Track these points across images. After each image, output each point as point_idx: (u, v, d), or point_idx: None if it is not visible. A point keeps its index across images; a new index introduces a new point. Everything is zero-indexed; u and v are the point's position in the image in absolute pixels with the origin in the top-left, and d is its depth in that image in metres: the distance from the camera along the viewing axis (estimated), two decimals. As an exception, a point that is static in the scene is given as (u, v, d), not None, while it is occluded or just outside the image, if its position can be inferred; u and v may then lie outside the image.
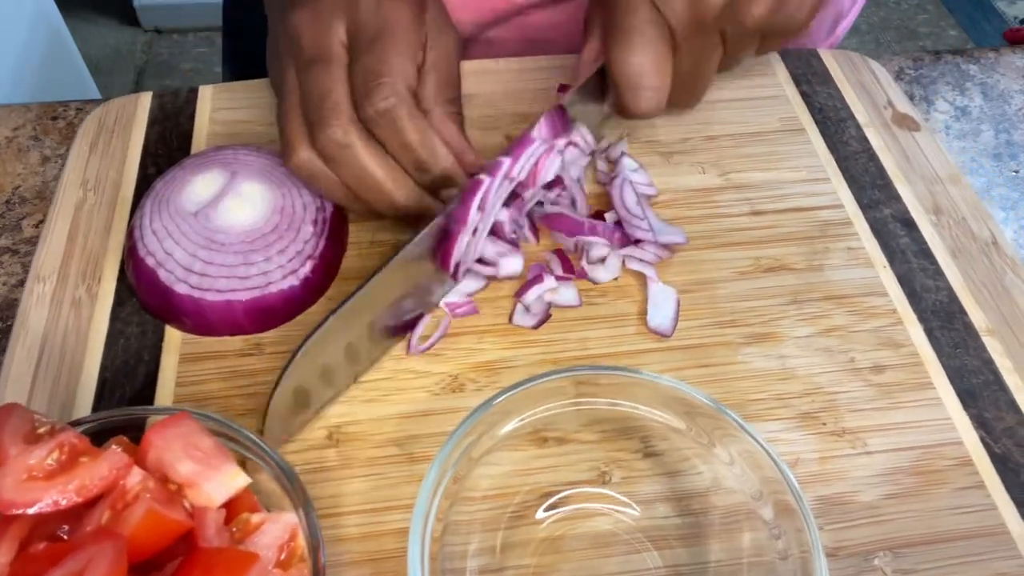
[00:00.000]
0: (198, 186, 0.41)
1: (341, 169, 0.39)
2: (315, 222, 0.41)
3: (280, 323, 0.40)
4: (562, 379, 0.34)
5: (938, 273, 0.44)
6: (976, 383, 0.40)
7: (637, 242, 0.43)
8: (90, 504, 0.29)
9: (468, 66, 0.52)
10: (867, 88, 0.53)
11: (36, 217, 0.45)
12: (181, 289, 0.39)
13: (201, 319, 0.39)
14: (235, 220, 0.40)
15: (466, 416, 0.33)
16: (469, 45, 0.59)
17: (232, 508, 0.30)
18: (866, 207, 0.47)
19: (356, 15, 0.40)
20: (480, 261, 0.42)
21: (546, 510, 0.35)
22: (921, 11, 2.24)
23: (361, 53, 0.39)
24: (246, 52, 0.75)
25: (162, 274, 0.39)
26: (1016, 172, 0.51)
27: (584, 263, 0.43)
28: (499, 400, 0.33)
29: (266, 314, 0.40)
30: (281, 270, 0.40)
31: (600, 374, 0.35)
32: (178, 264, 0.39)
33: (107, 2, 2.09)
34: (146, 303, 0.40)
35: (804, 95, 0.53)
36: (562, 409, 0.35)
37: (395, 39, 0.40)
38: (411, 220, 0.41)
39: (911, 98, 0.55)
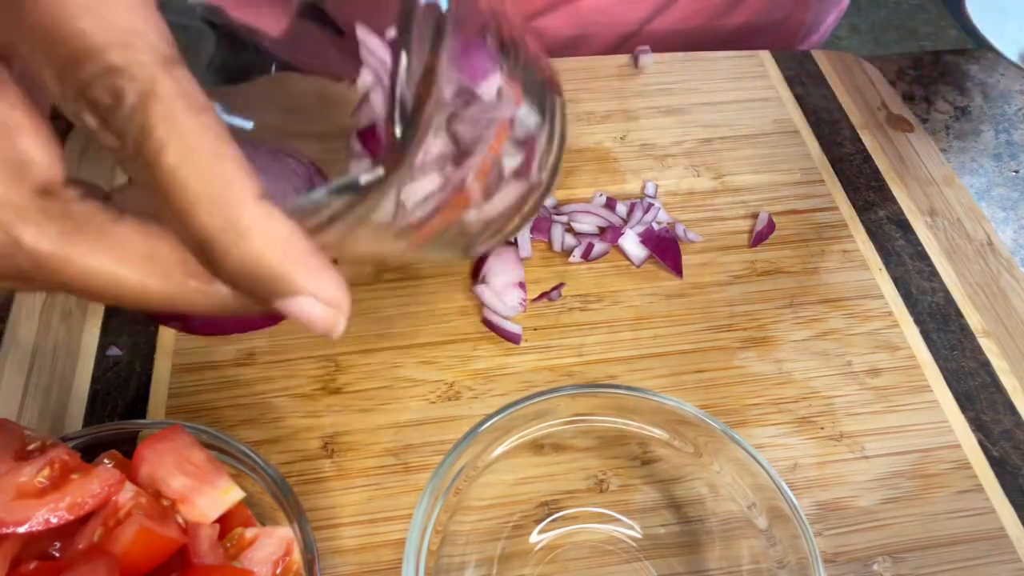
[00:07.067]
0: None
1: None
2: None
3: None
4: (559, 397, 0.34)
5: (933, 275, 0.44)
6: (973, 385, 0.40)
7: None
8: (82, 521, 0.28)
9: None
10: (861, 89, 0.53)
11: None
12: None
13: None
14: None
15: (464, 435, 0.32)
16: None
17: (226, 523, 0.30)
18: (861, 209, 0.47)
19: None
20: None
21: (543, 521, 0.35)
22: (921, 11, 2.24)
23: None
24: None
25: None
26: (1016, 172, 0.51)
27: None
28: (491, 422, 0.33)
29: None
30: None
31: (598, 392, 0.34)
32: None
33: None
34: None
35: (798, 97, 0.53)
36: (552, 429, 0.35)
37: None
38: None
39: (911, 98, 0.55)
